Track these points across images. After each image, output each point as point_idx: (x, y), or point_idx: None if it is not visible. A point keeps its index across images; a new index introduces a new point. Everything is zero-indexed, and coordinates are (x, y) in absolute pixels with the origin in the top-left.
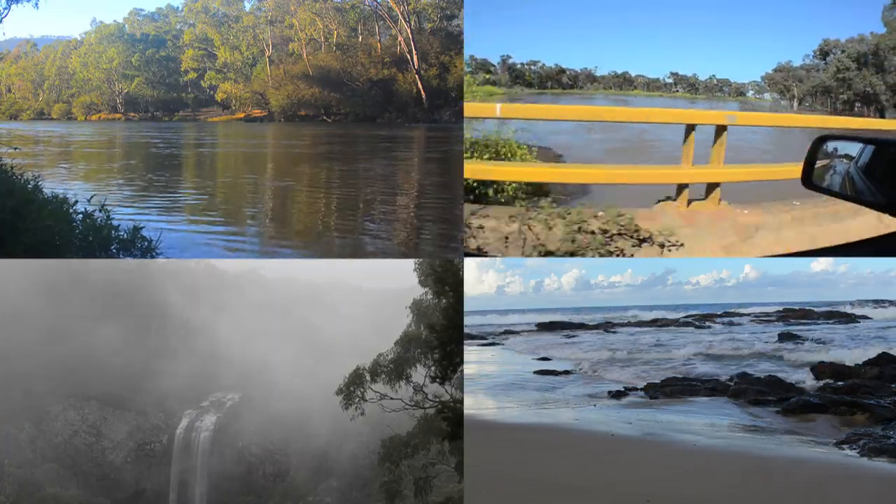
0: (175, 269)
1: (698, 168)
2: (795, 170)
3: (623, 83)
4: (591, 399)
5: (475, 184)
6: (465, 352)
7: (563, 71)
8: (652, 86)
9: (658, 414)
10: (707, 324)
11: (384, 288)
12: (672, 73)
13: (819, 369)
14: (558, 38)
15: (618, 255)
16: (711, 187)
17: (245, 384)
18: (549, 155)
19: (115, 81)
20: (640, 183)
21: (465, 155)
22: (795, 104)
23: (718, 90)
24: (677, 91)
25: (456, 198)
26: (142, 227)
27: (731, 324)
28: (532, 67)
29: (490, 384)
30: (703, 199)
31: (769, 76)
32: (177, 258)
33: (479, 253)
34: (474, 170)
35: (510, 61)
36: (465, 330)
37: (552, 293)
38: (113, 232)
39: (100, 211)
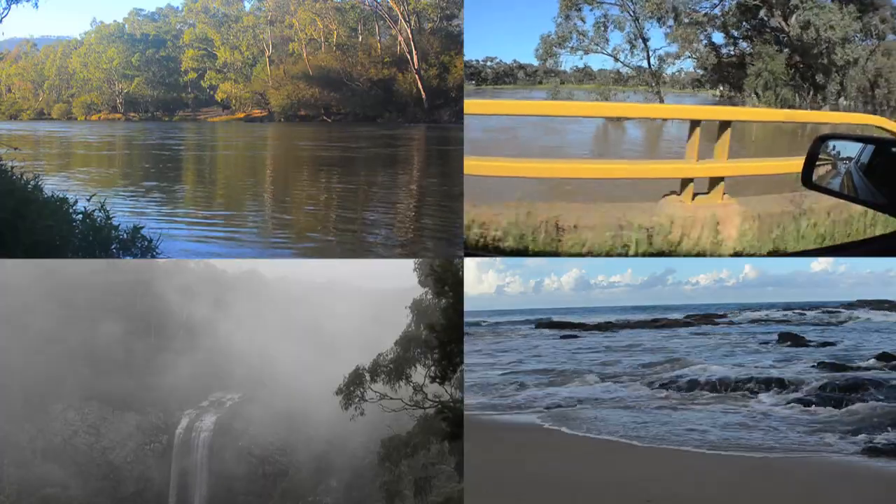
0: (175, 269)
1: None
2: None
3: (584, 77)
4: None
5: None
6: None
7: (521, 67)
8: (615, 79)
9: (658, 414)
10: (707, 324)
11: (384, 288)
12: (635, 67)
13: (820, 368)
14: (523, 35)
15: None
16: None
17: (245, 384)
18: None
19: (115, 81)
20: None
21: None
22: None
23: (689, 84)
24: (641, 85)
25: (456, 198)
26: (142, 227)
27: (730, 323)
28: (489, 64)
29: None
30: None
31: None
32: (177, 258)
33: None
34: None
35: (464, 59)
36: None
37: (552, 293)
38: (113, 232)
39: (100, 211)
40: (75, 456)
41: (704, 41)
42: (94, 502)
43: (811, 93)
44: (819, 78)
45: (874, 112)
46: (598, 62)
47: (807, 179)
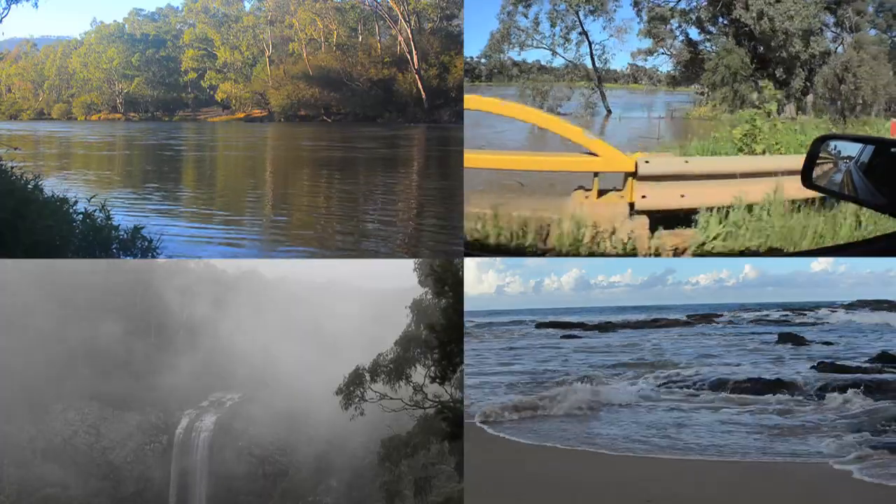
0: (175, 269)
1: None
2: None
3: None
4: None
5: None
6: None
7: (515, 64)
8: (609, 77)
9: (658, 413)
10: (707, 324)
11: (384, 288)
12: (630, 65)
13: (819, 368)
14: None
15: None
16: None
17: (245, 384)
18: None
19: (115, 81)
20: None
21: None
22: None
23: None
24: (636, 83)
25: (456, 197)
26: (142, 227)
27: (730, 322)
28: (482, 61)
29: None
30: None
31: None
32: (177, 258)
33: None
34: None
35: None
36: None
37: (552, 293)
38: (113, 232)
39: (100, 211)
40: (75, 456)
41: (681, 37)
42: (94, 502)
43: (775, 88)
44: (779, 73)
45: (841, 109)
46: (537, 56)
47: (807, 179)
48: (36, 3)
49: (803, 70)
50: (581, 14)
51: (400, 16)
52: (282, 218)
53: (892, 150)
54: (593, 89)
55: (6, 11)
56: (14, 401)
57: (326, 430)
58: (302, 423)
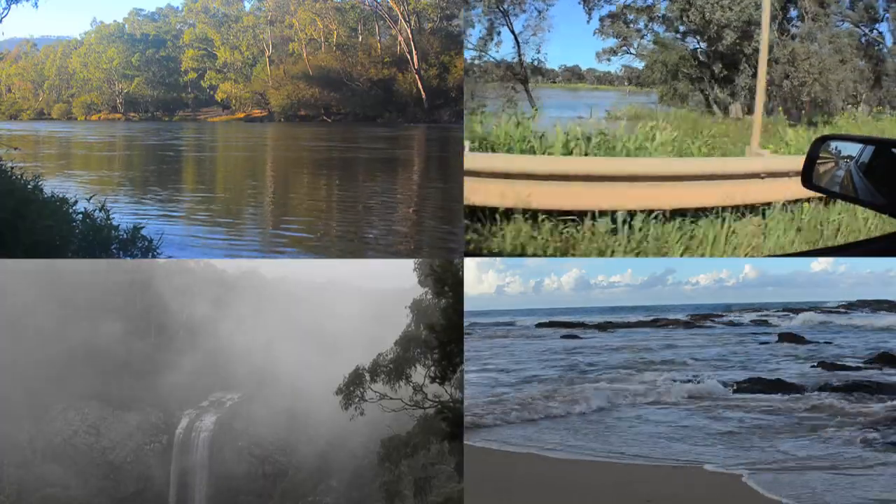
0: (175, 269)
1: None
2: None
3: (572, 77)
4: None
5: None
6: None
7: (509, 66)
8: (604, 79)
9: (658, 414)
10: (707, 324)
11: (384, 288)
12: (624, 67)
13: (820, 368)
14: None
15: None
16: None
17: (245, 384)
18: None
19: (115, 81)
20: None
21: None
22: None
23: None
24: (630, 86)
25: (456, 197)
26: (142, 227)
27: (731, 323)
28: (476, 63)
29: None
30: None
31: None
32: (177, 258)
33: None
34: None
35: None
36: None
37: (552, 293)
38: (113, 232)
39: (100, 211)
40: (75, 456)
41: (649, 36)
42: (94, 502)
43: (718, 86)
44: (717, 69)
45: (788, 107)
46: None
47: (807, 180)
48: (36, 3)
49: (749, 66)
50: (507, 13)
51: (400, 16)
52: (286, 231)
53: (893, 150)
54: (514, 88)
55: (6, 11)
56: (14, 401)
57: (326, 430)
58: (302, 423)
